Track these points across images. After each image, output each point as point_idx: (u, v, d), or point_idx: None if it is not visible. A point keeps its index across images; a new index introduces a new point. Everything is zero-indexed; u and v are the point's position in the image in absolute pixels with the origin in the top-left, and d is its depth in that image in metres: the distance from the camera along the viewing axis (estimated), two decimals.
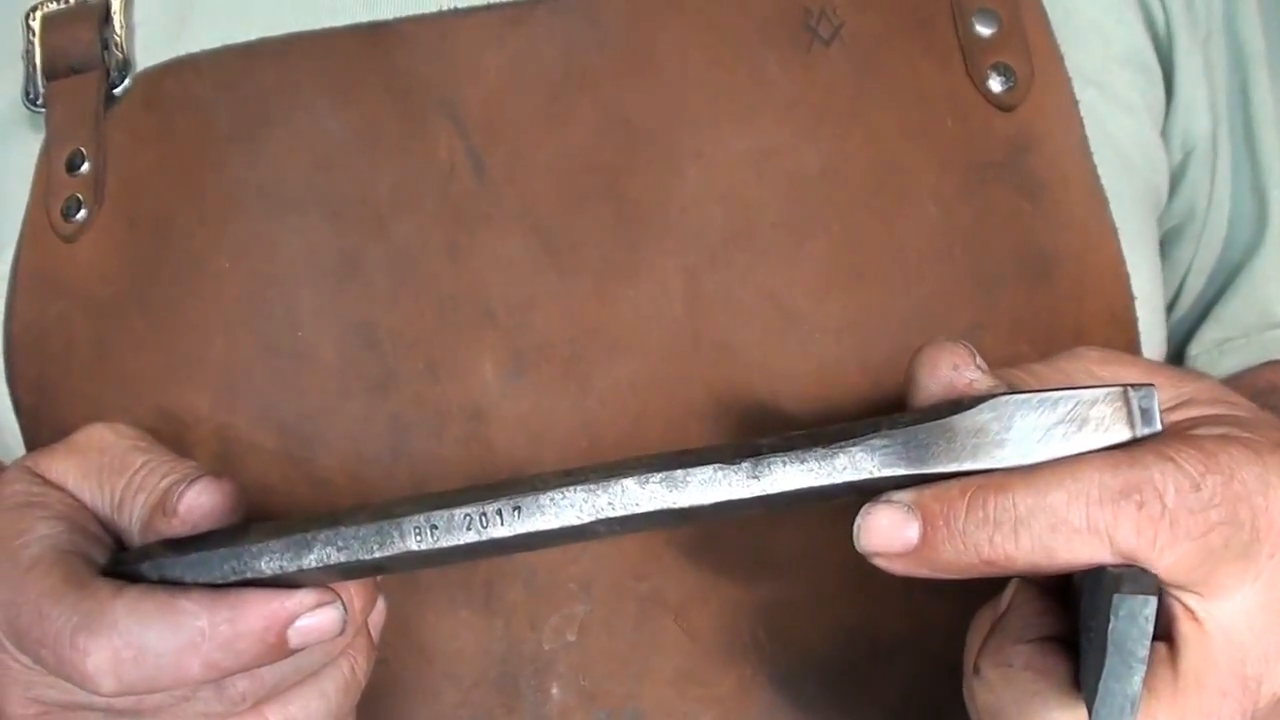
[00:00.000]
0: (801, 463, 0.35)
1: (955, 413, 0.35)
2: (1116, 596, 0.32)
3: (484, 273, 0.47)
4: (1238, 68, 0.55)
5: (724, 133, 0.47)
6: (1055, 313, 0.48)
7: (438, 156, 0.48)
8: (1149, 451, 0.34)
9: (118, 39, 0.52)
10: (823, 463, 0.35)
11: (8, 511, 0.40)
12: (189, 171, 0.49)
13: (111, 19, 0.52)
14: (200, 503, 0.38)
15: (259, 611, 0.36)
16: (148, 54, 0.51)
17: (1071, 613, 0.38)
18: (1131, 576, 0.33)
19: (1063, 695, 0.35)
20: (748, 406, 0.46)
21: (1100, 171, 0.49)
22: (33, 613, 0.36)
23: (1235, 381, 0.56)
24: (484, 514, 0.36)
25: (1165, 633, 0.35)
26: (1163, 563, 0.34)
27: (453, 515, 0.36)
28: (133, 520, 0.40)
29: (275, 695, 0.39)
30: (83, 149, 0.51)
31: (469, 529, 0.36)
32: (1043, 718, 0.35)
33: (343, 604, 0.37)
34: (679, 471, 0.36)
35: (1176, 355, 0.58)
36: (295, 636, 0.37)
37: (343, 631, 0.37)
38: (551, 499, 0.36)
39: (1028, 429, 0.35)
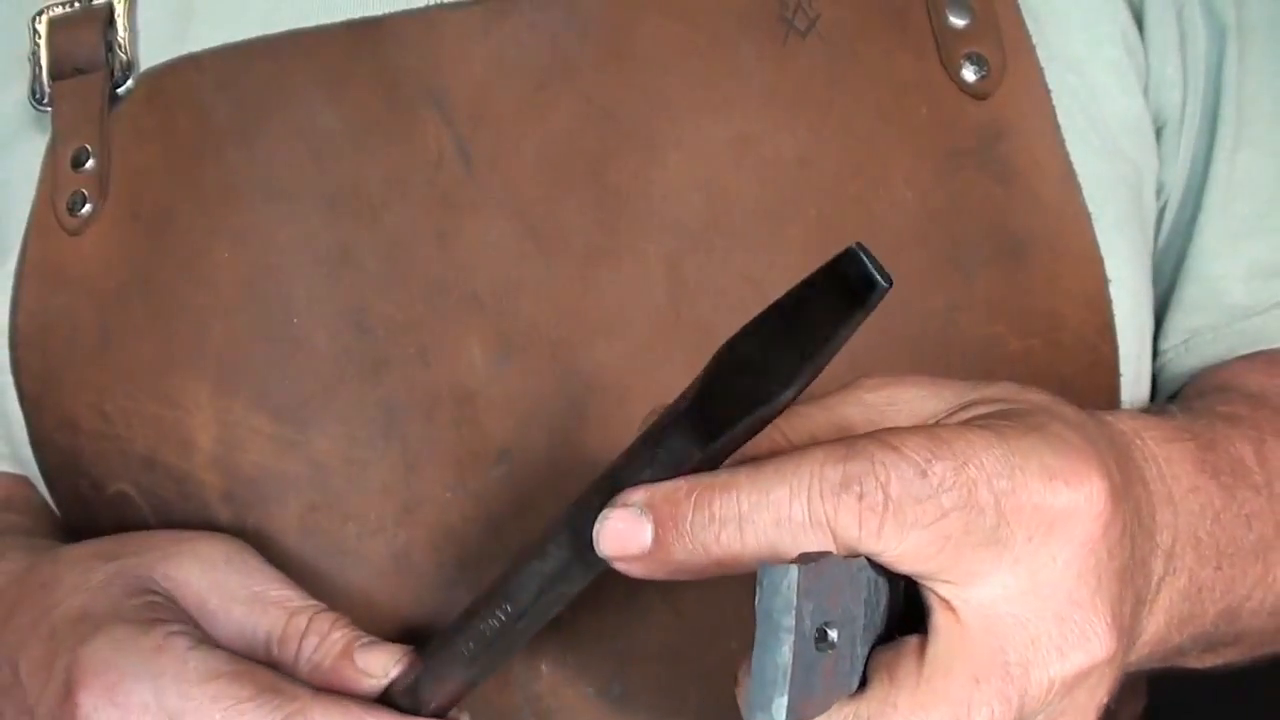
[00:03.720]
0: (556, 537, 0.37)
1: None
2: (760, 568, 0.32)
3: (471, 259, 0.49)
4: (1213, 41, 0.54)
5: (703, 122, 0.49)
6: (1030, 295, 0.48)
7: (426, 146, 0.49)
8: (872, 441, 0.33)
9: (121, 41, 0.53)
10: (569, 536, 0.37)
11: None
12: (189, 166, 0.51)
13: (115, 22, 0.53)
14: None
15: None
16: (150, 55, 0.53)
17: None
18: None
19: None
20: None
21: (1078, 156, 0.50)
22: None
23: (1192, 384, 0.55)
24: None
25: (922, 624, 0.35)
26: (892, 552, 0.33)
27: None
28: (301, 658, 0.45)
29: None
30: (87, 146, 0.52)
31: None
32: None
33: None
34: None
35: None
36: None
37: None
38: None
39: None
